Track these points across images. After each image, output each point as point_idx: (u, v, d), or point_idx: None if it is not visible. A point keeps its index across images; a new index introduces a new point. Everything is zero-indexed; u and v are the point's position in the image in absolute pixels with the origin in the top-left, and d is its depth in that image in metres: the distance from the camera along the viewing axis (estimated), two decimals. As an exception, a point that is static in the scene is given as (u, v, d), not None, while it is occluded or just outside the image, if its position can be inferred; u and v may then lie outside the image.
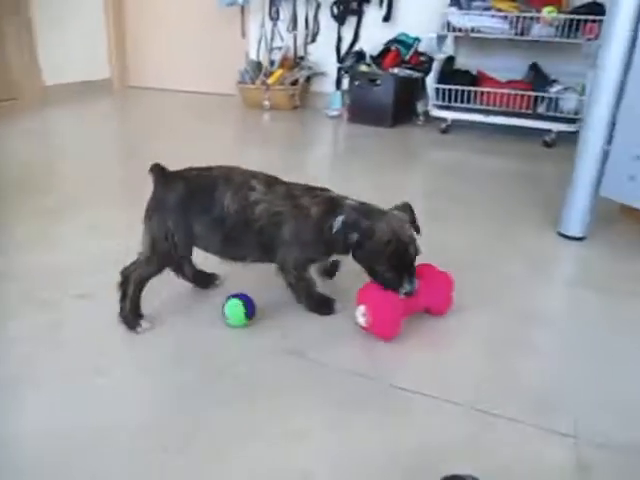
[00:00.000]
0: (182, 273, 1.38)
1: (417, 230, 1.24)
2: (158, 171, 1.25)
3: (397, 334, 1.20)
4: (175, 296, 1.38)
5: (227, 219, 1.21)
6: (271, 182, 1.26)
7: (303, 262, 1.27)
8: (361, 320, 1.21)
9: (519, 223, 1.97)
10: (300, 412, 1.00)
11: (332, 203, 1.22)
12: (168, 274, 1.31)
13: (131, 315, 1.23)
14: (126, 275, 1.24)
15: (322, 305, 1.32)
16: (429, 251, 1.67)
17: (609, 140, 1.73)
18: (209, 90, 4.57)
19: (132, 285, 1.23)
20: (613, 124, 1.71)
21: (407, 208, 1.26)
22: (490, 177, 2.62)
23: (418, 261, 1.21)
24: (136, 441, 0.92)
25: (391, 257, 1.16)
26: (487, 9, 3.24)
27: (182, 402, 1.01)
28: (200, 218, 1.22)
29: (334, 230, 1.17)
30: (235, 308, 1.22)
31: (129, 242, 1.65)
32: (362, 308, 1.20)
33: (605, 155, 1.74)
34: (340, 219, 1.17)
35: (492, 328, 1.29)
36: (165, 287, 1.37)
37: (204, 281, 1.43)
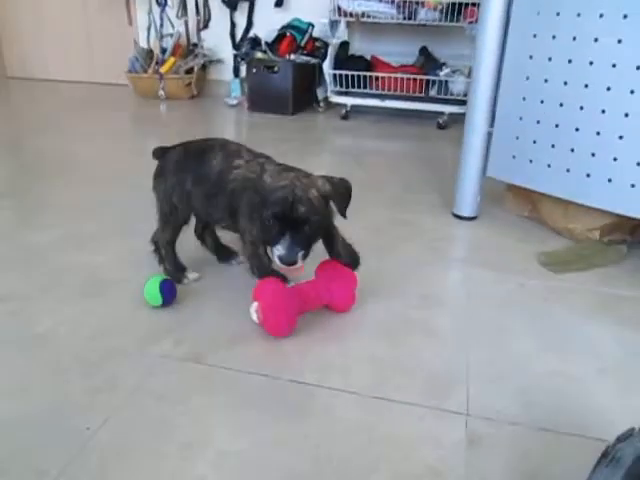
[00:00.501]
0: (204, 243, 1.52)
1: (341, 213, 1.19)
2: (159, 149, 1.37)
3: (290, 331, 1.18)
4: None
5: (210, 178, 1.27)
6: (258, 155, 1.30)
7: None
8: (254, 317, 1.19)
9: (417, 206, 2.03)
10: (199, 421, 0.96)
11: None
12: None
13: (174, 271, 1.39)
14: (155, 241, 1.41)
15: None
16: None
17: (492, 122, 1.81)
18: (98, 80, 4.33)
19: (162, 249, 1.40)
20: (494, 106, 1.79)
21: (338, 185, 1.19)
22: (390, 161, 2.67)
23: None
24: (12, 460, 0.84)
25: (273, 206, 1.09)
26: (376, -6, 3.29)
27: (65, 420, 0.94)
28: (191, 175, 1.30)
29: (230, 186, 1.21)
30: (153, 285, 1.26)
31: (3, 252, 1.55)
32: (255, 304, 1.18)
33: (489, 136, 1.82)
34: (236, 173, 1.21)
35: (391, 314, 1.32)
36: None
37: (224, 255, 1.52)
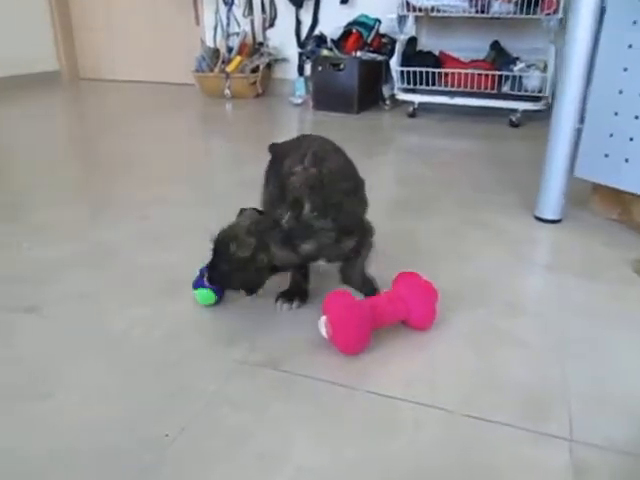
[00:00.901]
0: None
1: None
2: (272, 145, 1.37)
3: (361, 349, 1.10)
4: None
5: (277, 181, 1.21)
6: (317, 161, 1.16)
7: None
8: (323, 331, 1.11)
9: (494, 208, 1.92)
10: (278, 431, 0.91)
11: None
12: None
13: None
14: None
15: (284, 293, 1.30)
16: (401, 241, 1.62)
17: (581, 118, 1.68)
18: (165, 80, 4.40)
19: None
20: (585, 101, 1.66)
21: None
22: (460, 160, 2.56)
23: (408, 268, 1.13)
24: (93, 465, 0.82)
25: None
26: (447, -13, 3.17)
27: (143, 426, 0.91)
28: (270, 180, 1.28)
29: None
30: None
31: (76, 248, 1.56)
32: (324, 318, 1.11)
33: (578, 134, 1.69)
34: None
35: (476, 322, 1.23)
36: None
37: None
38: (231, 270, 1.15)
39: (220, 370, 1.05)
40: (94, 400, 0.97)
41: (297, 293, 1.29)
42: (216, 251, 1.17)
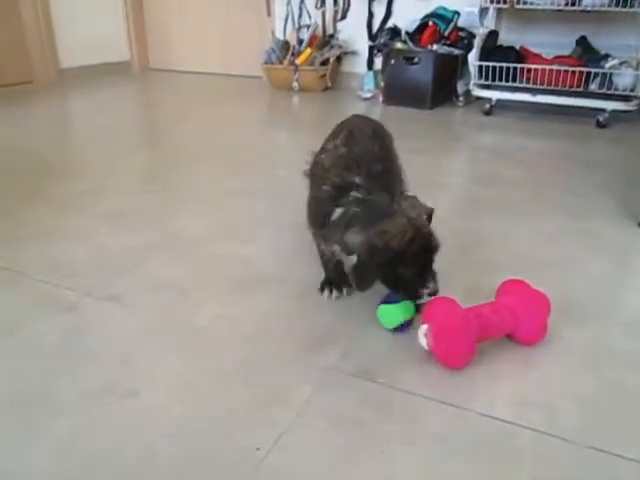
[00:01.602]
0: None
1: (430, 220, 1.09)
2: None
3: (466, 363, 0.99)
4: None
5: (315, 161, 1.26)
6: (347, 143, 1.19)
7: (312, 233, 1.20)
8: (423, 342, 1.00)
9: (591, 214, 1.75)
10: (380, 452, 0.82)
11: (340, 189, 1.09)
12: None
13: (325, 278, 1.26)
14: None
15: (326, 282, 1.24)
16: (491, 248, 1.50)
17: None
18: (234, 72, 4.38)
19: None
20: None
21: (414, 200, 1.09)
22: (543, 161, 2.40)
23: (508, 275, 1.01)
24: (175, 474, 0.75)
25: (414, 254, 1.00)
26: (535, -22, 2.99)
27: (233, 435, 0.84)
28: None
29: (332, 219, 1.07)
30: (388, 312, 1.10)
31: (153, 236, 1.52)
32: (425, 327, 1.00)
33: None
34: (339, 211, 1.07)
35: (590, 341, 1.10)
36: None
37: None
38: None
39: (312, 377, 0.97)
40: (181, 402, 0.91)
41: (343, 280, 1.23)
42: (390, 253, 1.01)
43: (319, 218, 1.12)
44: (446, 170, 2.26)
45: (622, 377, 0.99)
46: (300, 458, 0.80)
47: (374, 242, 0.99)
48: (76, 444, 0.82)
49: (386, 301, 1.09)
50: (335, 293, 1.21)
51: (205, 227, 1.59)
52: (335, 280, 1.23)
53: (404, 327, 1.08)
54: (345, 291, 1.23)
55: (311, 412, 0.88)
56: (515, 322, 1.04)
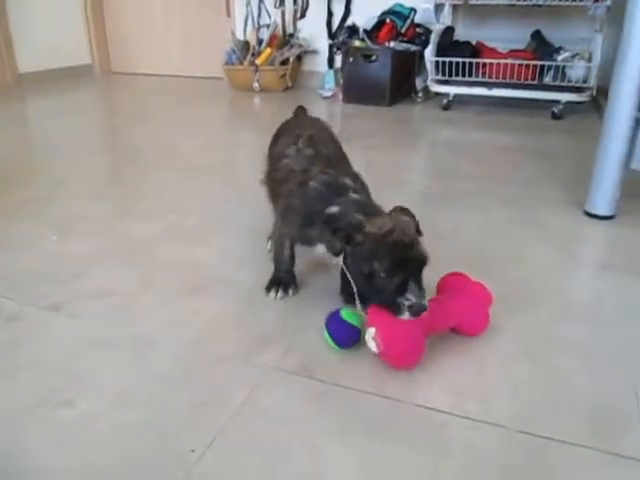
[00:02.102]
0: None
1: (419, 233, 1.04)
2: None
3: (418, 362, 0.98)
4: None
5: (271, 160, 1.30)
6: (312, 143, 1.21)
7: (282, 234, 1.18)
8: (372, 345, 0.98)
9: (540, 204, 1.79)
10: (316, 448, 0.82)
11: (335, 188, 1.07)
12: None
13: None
14: None
15: (274, 282, 1.23)
16: (443, 239, 1.52)
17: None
18: (195, 74, 4.35)
19: None
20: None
21: (407, 211, 1.07)
22: (500, 154, 2.44)
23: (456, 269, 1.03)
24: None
25: (392, 252, 0.94)
26: (487, -27, 3.03)
27: (169, 439, 0.84)
28: (268, 155, 1.35)
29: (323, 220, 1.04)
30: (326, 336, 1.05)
31: (104, 242, 1.50)
32: (372, 331, 0.98)
33: (636, 123, 1.56)
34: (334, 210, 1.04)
35: (531, 329, 1.12)
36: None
37: None
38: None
39: (252, 377, 0.97)
40: (117, 408, 0.90)
41: (291, 281, 1.24)
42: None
43: (304, 219, 1.08)
44: (404, 166, 2.28)
45: (558, 362, 1.02)
46: (233, 458, 0.80)
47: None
48: (10, 459, 0.81)
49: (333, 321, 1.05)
50: (281, 293, 1.21)
51: (159, 230, 1.58)
52: (284, 281, 1.24)
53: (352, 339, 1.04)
54: (291, 292, 1.23)
55: (248, 411, 0.89)
56: (459, 316, 1.05)
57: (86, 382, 0.96)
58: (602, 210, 1.66)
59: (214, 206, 1.78)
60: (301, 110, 1.54)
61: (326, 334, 1.04)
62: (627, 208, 1.68)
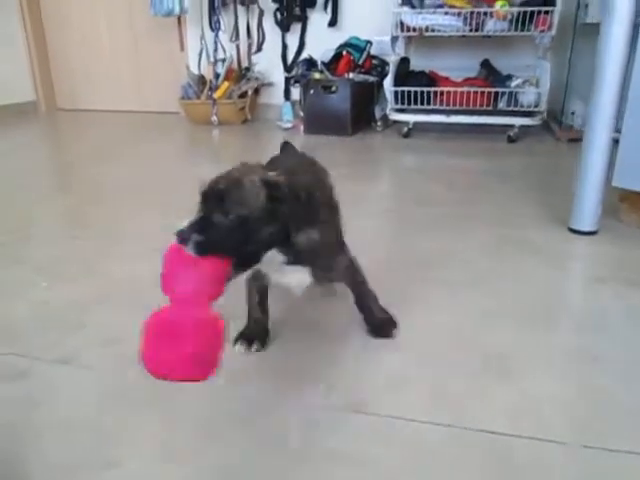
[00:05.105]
0: None
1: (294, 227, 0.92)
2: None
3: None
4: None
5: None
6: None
7: (247, 277, 1.07)
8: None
9: (522, 222, 1.85)
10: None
11: None
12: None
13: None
14: None
15: (241, 334, 1.13)
16: (434, 265, 1.53)
17: (617, 127, 1.64)
18: (149, 108, 4.27)
19: None
20: (620, 110, 1.62)
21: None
22: (467, 178, 2.52)
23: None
24: None
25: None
26: (440, 6, 3.17)
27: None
28: None
29: None
30: None
31: (93, 285, 1.41)
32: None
33: (615, 143, 1.64)
34: None
35: (558, 344, 1.14)
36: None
37: None
38: (233, 227, 0.88)
39: (303, 418, 0.93)
40: (168, 464, 0.83)
41: (258, 334, 1.14)
42: (214, 200, 0.91)
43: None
44: (378, 194, 2.31)
45: (593, 376, 1.04)
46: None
47: None
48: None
49: None
50: (244, 347, 1.12)
51: (148, 271, 1.49)
52: (250, 333, 1.14)
53: None
54: (254, 347, 1.12)
55: (317, 455, 0.84)
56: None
57: (123, 438, 0.88)
58: (585, 226, 1.73)
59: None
60: (289, 146, 1.43)
61: None
62: (606, 224, 1.75)
